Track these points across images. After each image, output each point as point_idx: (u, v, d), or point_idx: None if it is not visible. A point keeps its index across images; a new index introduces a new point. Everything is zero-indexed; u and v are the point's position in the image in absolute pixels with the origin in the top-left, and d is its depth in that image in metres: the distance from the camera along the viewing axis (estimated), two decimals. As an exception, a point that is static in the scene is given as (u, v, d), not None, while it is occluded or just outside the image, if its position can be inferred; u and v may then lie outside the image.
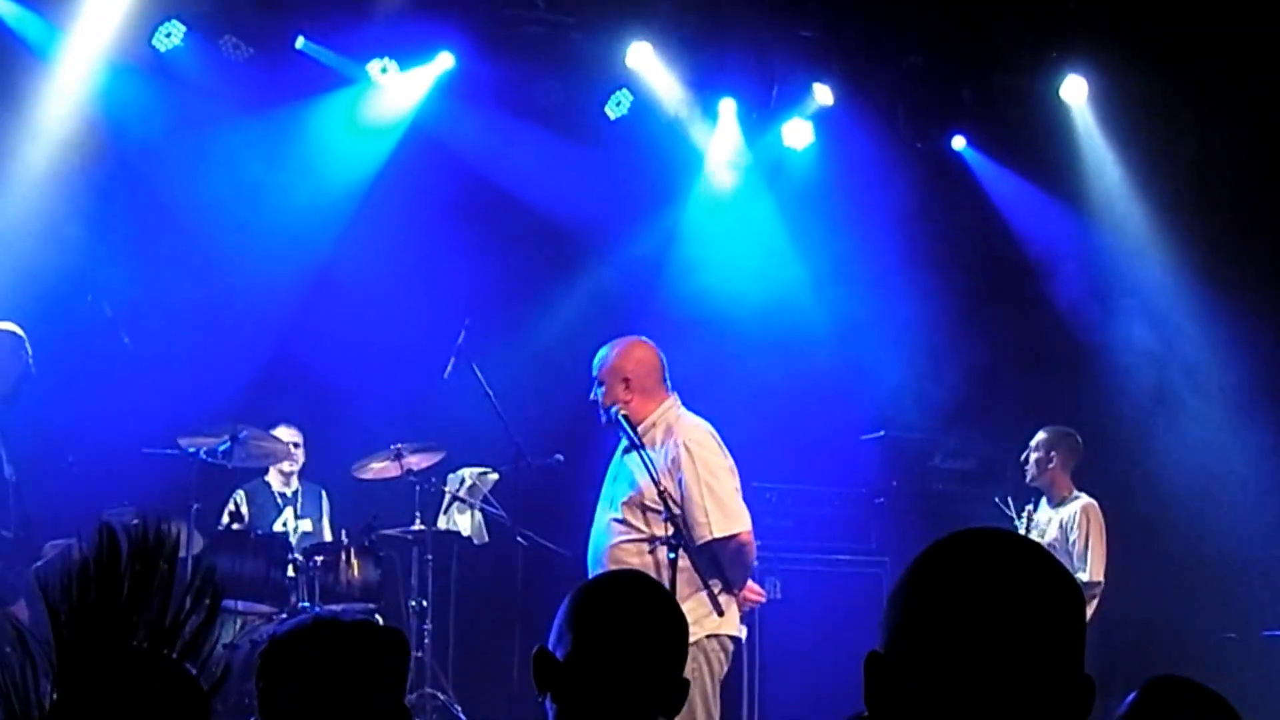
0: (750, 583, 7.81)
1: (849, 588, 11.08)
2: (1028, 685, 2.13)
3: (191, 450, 9.86)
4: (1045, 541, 9.98)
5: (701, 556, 7.40)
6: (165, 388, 10.09)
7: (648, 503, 7.51)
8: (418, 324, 11.02)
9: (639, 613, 3.33)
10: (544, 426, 11.04)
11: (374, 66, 11.06)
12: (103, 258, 10.25)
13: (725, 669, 7.58)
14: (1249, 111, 11.33)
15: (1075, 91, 12.09)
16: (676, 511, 7.45)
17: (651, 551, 7.48)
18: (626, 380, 7.81)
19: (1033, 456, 10.05)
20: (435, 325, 10.83)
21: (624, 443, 7.79)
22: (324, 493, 11.20)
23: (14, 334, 8.86)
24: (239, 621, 10.01)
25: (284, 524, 10.90)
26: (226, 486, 10.84)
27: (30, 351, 8.85)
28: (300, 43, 10.92)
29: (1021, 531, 9.72)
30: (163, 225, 10.58)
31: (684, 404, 7.96)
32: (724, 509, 7.49)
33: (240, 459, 10.22)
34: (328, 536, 10.88)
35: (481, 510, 10.96)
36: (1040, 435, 10.09)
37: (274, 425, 10.80)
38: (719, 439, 7.79)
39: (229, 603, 10.02)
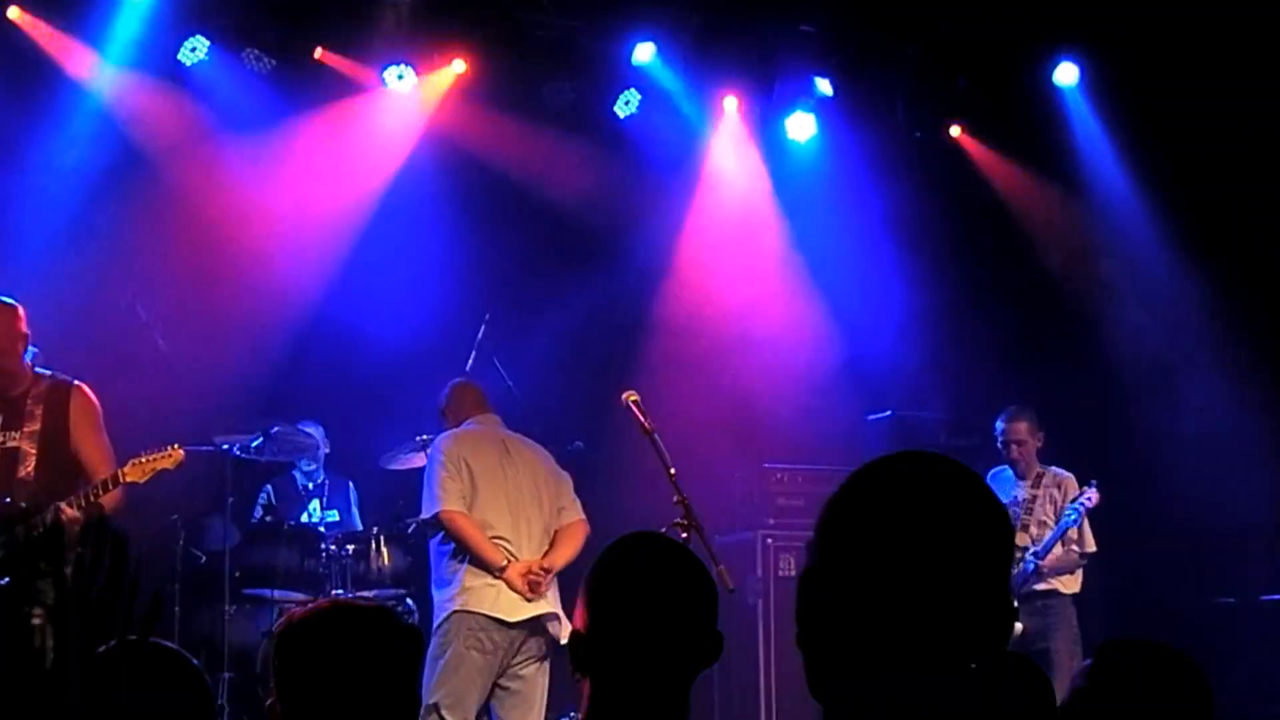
0: (530, 561, 8.54)
1: (860, 562, 11.34)
2: (954, 600, 2.20)
3: (225, 446, 10.09)
4: (1034, 518, 10.28)
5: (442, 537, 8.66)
6: (199, 386, 10.27)
7: None
8: (439, 320, 11.31)
9: (655, 572, 3.24)
10: (563, 415, 11.36)
11: (390, 73, 11.24)
12: (136, 263, 10.52)
13: (488, 646, 8.42)
14: (1245, 92, 11.39)
15: (1068, 76, 12.26)
16: (686, 496, 8.04)
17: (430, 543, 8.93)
18: (446, 410, 9.18)
19: (1021, 441, 10.24)
20: (456, 320, 11.15)
21: None
22: (351, 484, 11.43)
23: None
24: (275, 610, 10.19)
25: (309, 515, 11.09)
26: (259, 481, 11.14)
27: None
28: (319, 53, 11.21)
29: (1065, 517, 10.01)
30: (192, 231, 10.79)
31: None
32: (429, 494, 8.68)
33: (271, 453, 10.49)
34: (358, 527, 11.10)
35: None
36: (1019, 421, 10.27)
37: (299, 420, 11.12)
38: (454, 441, 8.91)
39: (265, 592, 10.39)
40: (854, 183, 12.24)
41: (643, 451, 8.45)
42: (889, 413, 12.16)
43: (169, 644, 3.59)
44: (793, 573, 11.14)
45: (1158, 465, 10.96)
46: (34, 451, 8.29)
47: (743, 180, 12.53)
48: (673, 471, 8.01)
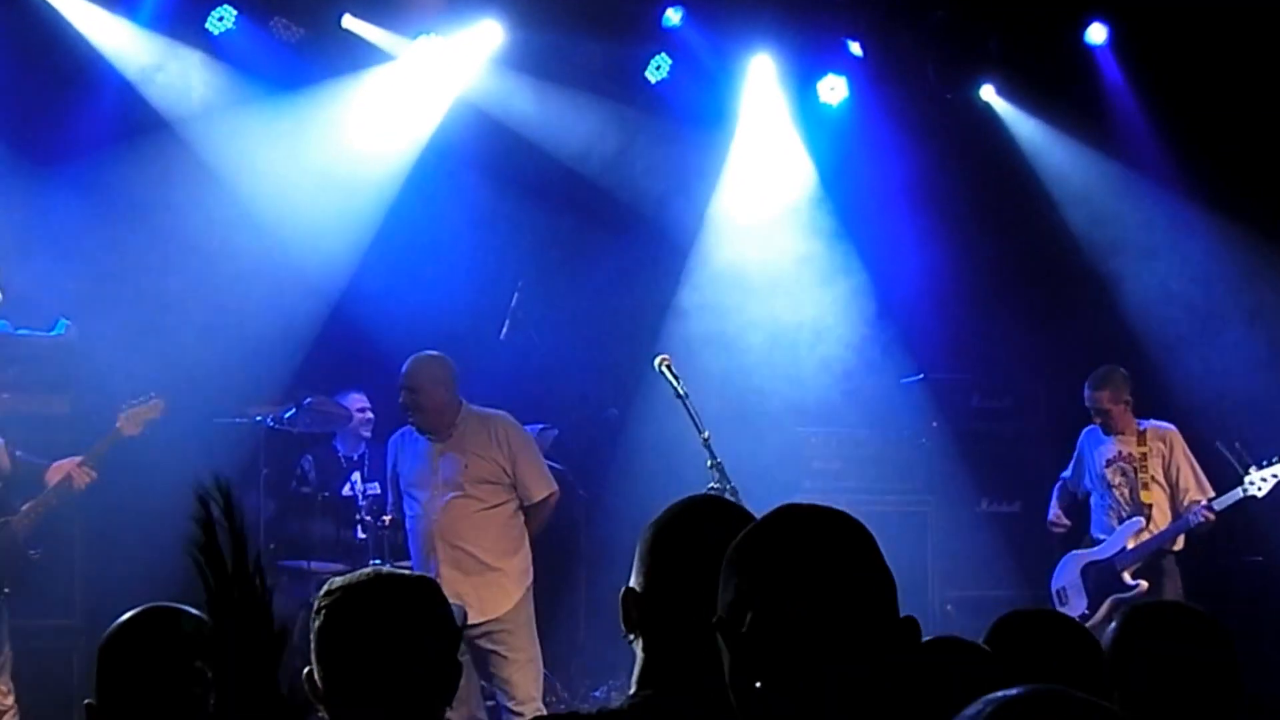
0: None
1: (895, 525, 11.23)
2: (861, 629, 2.37)
3: (258, 418, 10.15)
4: (1149, 474, 10.29)
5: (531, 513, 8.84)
6: (233, 359, 10.35)
7: (488, 477, 8.79)
8: (473, 288, 11.33)
9: (719, 534, 2.85)
10: (596, 381, 11.37)
11: (420, 40, 11.21)
12: (166, 232, 10.59)
13: None
14: (1275, 51, 11.39)
15: (1099, 36, 12.22)
16: (719, 460, 8.08)
17: (497, 513, 8.87)
18: (448, 385, 9.04)
19: (1117, 405, 10.26)
20: (490, 288, 11.16)
21: (427, 441, 9.04)
22: (391, 453, 11.47)
23: None
24: (313, 581, 10.12)
25: (350, 487, 11.06)
26: (299, 452, 11.17)
27: None
28: (346, 20, 11.16)
29: (1250, 485, 9.97)
30: (223, 200, 10.82)
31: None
32: (545, 475, 8.96)
33: (304, 424, 10.48)
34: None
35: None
36: (1108, 386, 10.27)
37: (341, 391, 11.11)
38: None
39: (302, 563, 10.42)
40: (886, 145, 12.20)
41: (675, 417, 8.45)
42: (921, 375, 12.17)
43: (188, 608, 3.57)
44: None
45: (1188, 426, 10.90)
46: None
47: (775, 144, 12.48)
48: (706, 435, 8.01)
